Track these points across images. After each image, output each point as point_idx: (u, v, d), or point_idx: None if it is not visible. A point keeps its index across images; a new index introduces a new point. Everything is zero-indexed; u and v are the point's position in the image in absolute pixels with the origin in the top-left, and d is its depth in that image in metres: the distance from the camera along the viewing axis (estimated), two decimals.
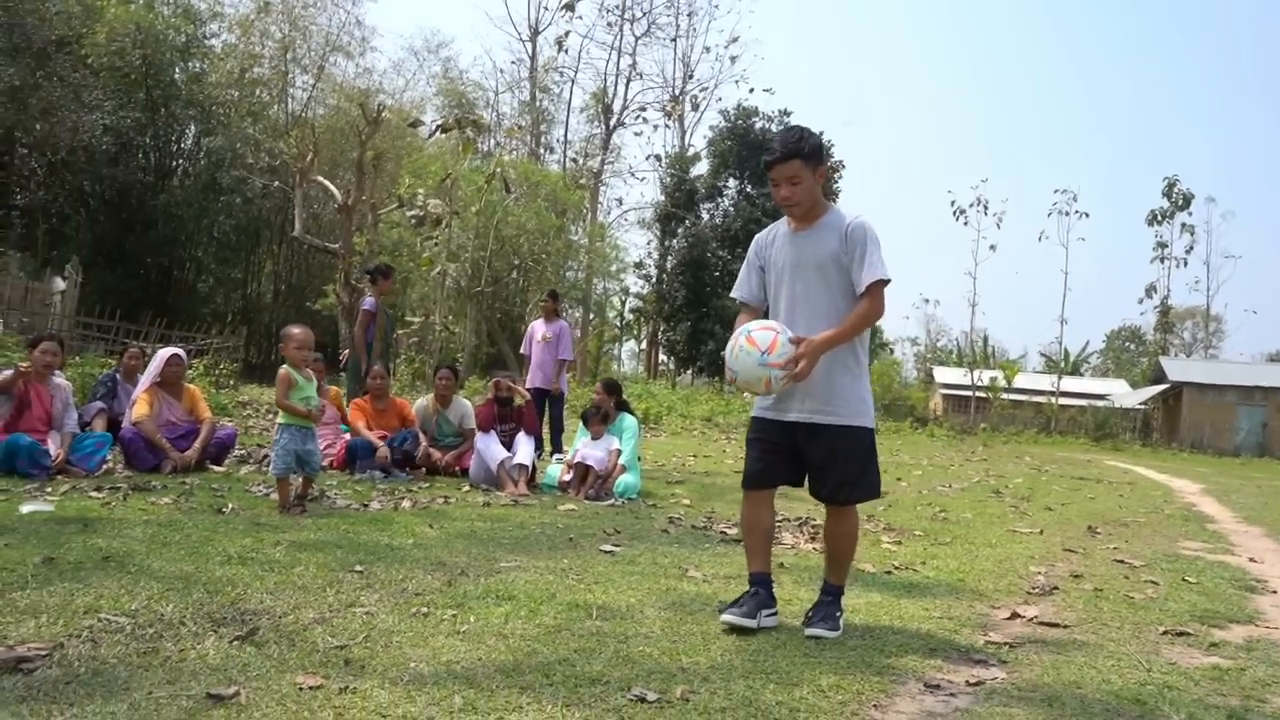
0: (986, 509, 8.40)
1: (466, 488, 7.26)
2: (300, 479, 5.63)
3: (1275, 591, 5.03)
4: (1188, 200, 47.85)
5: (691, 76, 44.82)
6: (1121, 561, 5.67)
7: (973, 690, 2.91)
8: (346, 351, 9.67)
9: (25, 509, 4.82)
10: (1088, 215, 41.94)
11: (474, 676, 2.69)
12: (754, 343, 3.35)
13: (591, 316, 41.43)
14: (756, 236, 3.81)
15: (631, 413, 8.03)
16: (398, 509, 5.94)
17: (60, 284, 21.07)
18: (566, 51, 41.38)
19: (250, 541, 4.39)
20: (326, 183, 19.72)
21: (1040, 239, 47.40)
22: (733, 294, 3.80)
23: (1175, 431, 37.80)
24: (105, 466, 6.65)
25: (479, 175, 21.95)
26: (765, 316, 3.68)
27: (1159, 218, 48.24)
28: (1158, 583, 4.98)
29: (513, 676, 2.71)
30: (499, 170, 20.02)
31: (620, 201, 45.66)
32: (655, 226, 41.53)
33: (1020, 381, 43.84)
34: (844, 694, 2.77)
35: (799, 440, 3.51)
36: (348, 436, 7.94)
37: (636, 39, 43.39)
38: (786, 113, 39.85)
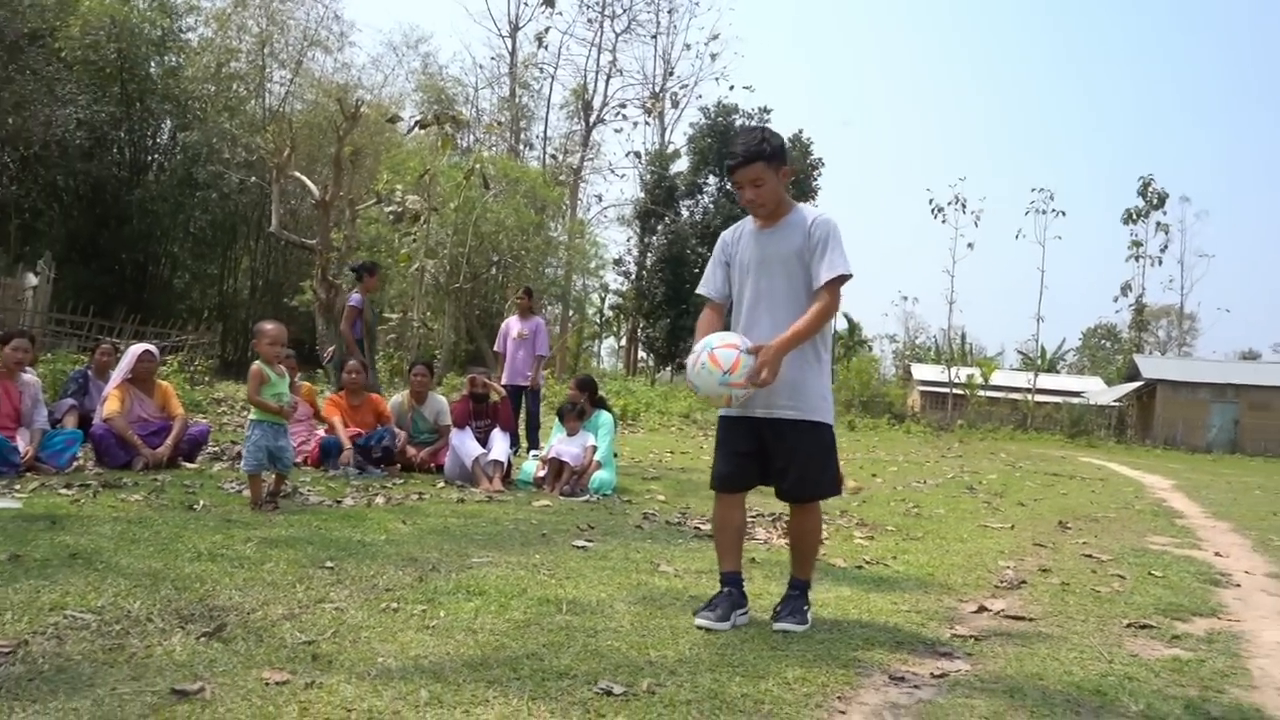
0: (959, 505, 8.48)
1: (441, 484, 7.26)
2: (272, 476, 5.61)
3: (1239, 585, 5.11)
4: (1162, 199, 48.30)
5: (672, 73, 44.95)
6: (1090, 556, 5.74)
7: (937, 682, 2.94)
8: (332, 348, 9.64)
9: None
10: (1064, 214, 42.42)
11: (441, 671, 2.70)
12: (716, 362, 3.34)
13: (571, 313, 41.41)
14: (723, 234, 3.81)
15: (608, 409, 8.05)
16: (371, 505, 5.93)
17: (32, 280, 20.84)
18: (546, 47, 41.39)
19: (221, 538, 4.37)
20: (304, 178, 19.59)
21: (1018, 237, 47.60)
22: (699, 290, 3.80)
23: (1149, 428, 38.18)
24: (76, 464, 6.60)
25: (458, 171, 21.87)
26: (730, 313, 3.70)
27: (1134, 217, 48.65)
28: (1124, 577, 5.04)
29: (480, 670, 2.72)
30: (478, 166, 19.95)
31: (600, 198, 45.83)
32: (635, 223, 41.61)
33: (997, 379, 44.15)
34: (809, 686, 2.80)
35: (764, 438, 3.53)
36: (321, 433, 7.91)
37: (617, 35, 43.46)
38: (766, 110, 40.02)
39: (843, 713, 2.62)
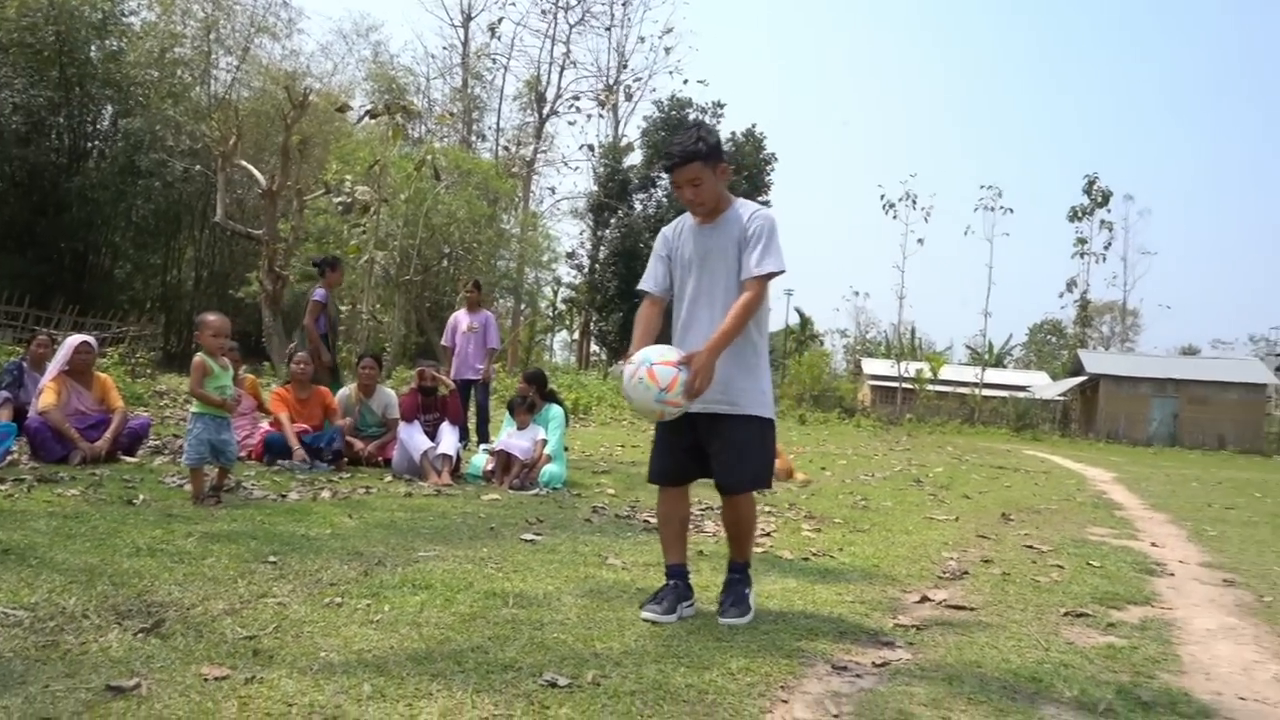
0: (906, 497, 8.61)
1: (389, 478, 7.19)
2: (215, 469, 5.52)
3: (1173, 574, 5.26)
4: (1106, 197, 49.38)
5: (625, 66, 44.87)
6: (1031, 547, 5.86)
7: (878, 671, 2.99)
8: (293, 345, 9.50)
9: None
10: (1012, 211, 43.18)
11: (385, 665, 2.68)
12: (654, 378, 3.30)
13: (523, 306, 41.19)
14: (664, 229, 3.81)
15: (559, 403, 8.03)
16: (316, 500, 5.85)
17: None
18: (499, 38, 41.18)
19: (160, 533, 4.29)
20: (250, 167, 19.30)
21: (966, 234, 48.53)
22: (640, 285, 3.78)
23: (1092, 422, 39.08)
24: (10, 458, 6.42)
25: (409, 162, 21.64)
26: (670, 308, 3.70)
27: (1079, 214, 49.67)
28: (1063, 567, 5.16)
29: (424, 664, 2.71)
30: (429, 157, 19.74)
31: (553, 191, 45.54)
32: (588, 216, 41.53)
33: (946, 373, 44.88)
34: (753, 676, 2.83)
35: (700, 432, 3.53)
36: (265, 426, 7.79)
37: (571, 27, 43.29)
38: (720, 105, 40.19)
39: (785, 702, 2.65)
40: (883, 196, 44.24)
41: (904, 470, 12.31)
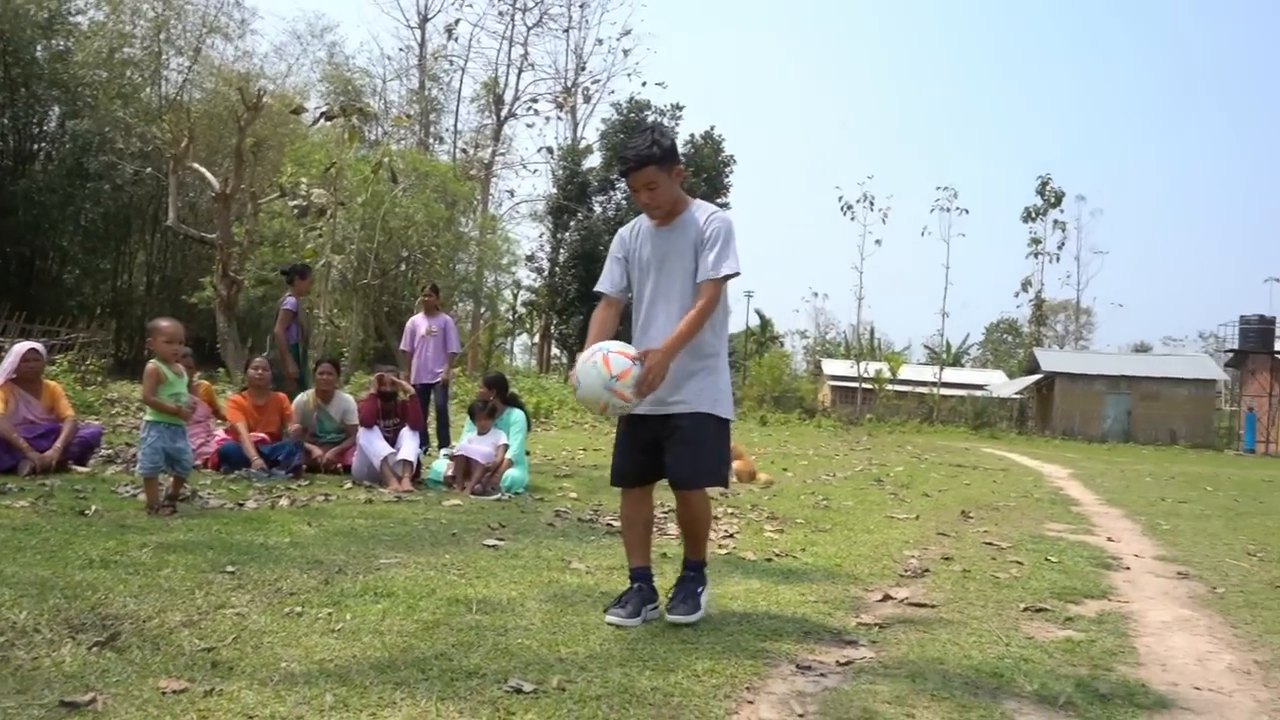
0: (867, 497, 8.68)
1: (348, 485, 7.11)
2: (170, 478, 5.42)
3: (1129, 568, 5.36)
4: (1059, 198, 50.08)
5: (584, 68, 44.88)
6: (990, 544, 5.93)
7: (842, 669, 3.01)
8: (266, 355, 9.35)
9: None
10: (968, 212, 43.69)
11: (347, 674, 2.64)
12: (608, 364, 3.30)
13: (483, 310, 41.00)
14: (620, 230, 3.80)
15: (521, 407, 7.99)
16: (274, 508, 5.77)
17: None
18: (456, 40, 40.93)
19: (114, 544, 4.20)
20: (203, 170, 18.99)
21: (923, 235, 49.05)
22: (597, 287, 3.77)
23: (1048, 419, 39.69)
24: None
25: (365, 165, 21.39)
26: (629, 309, 3.70)
27: (1033, 215, 50.35)
28: (1022, 563, 5.23)
29: (387, 673, 2.67)
30: (386, 160, 19.57)
31: (512, 193, 45.46)
32: (547, 219, 41.42)
33: (905, 373, 45.37)
34: (718, 678, 2.83)
35: (658, 432, 3.52)
36: (221, 434, 7.67)
37: (528, 29, 43.20)
38: (679, 107, 40.30)
39: (751, 703, 2.66)
40: (841, 198, 44.51)
41: (865, 470, 12.42)
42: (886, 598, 4.12)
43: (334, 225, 17.77)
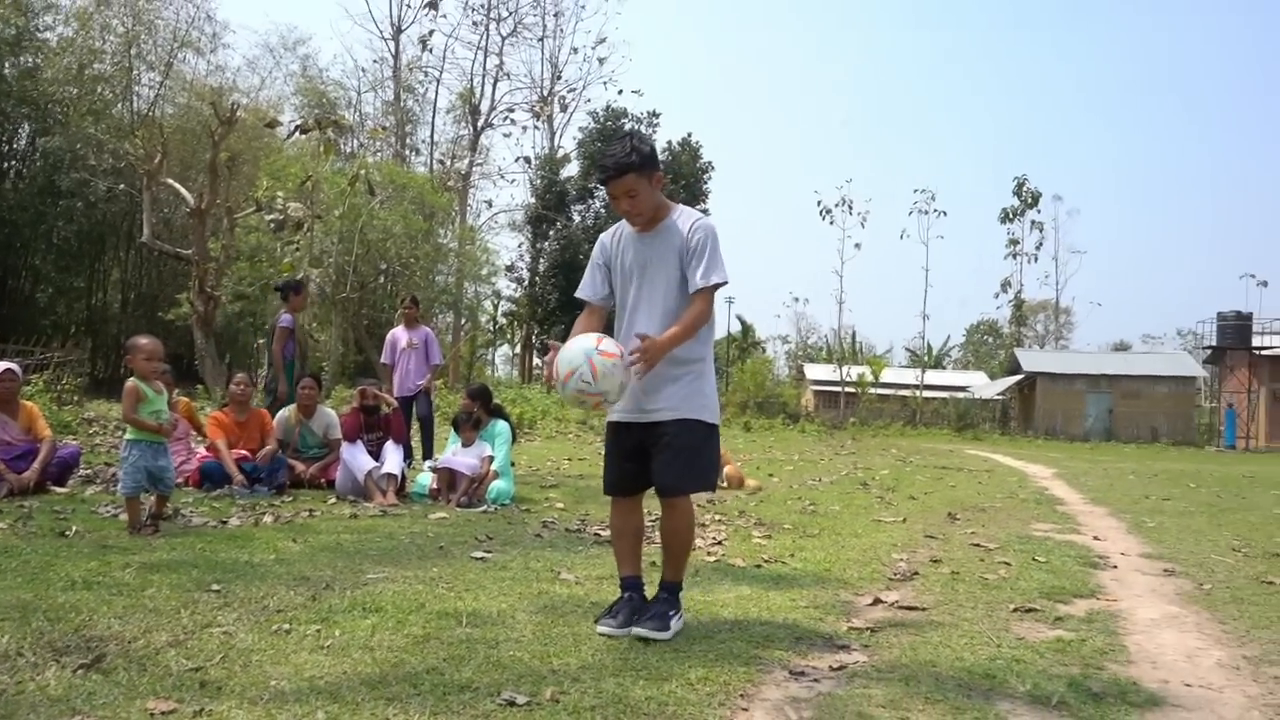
0: (854, 501, 8.69)
1: (332, 500, 7.04)
2: (153, 497, 5.35)
3: (1116, 566, 5.39)
4: (1036, 198, 50.54)
5: (560, 77, 44.85)
6: (978, 545, 5.95)
7: (835, 674, 3.00)
8: (265, 370, 9.29)
9: None
10: (946, 214, 43.98)
11: (338, 691, 2.61)
12: (599, 341, 3.32)
13: (463, 321, 40.86)
14: (601, 236, 3.78)
15: (505, 418, 7.96)
16: (258, 525, 5.71)
17: None
18: (431, 51, 40.82)
19: (96, 565, 4.14)
20: (177, 185, 18.87)
21: (902, 237, 49.35)
22: (578, 293, 3.77)
23: (1031, 420, 39.96)
24: None
25: (342, 177, 21.36)
26: (611, 316, 3.70)
27: (1010, 216, 50.77)
28: (1010, 563, 5.25)
29: (379, 688, 2.65)
30: (363, 172, 19.53)
31: (490, 204, 45.18)
32: (526, 229, 41.40)
33: (887, 376, 45.57)
34: (712, 685, 2.82)
35: (644, 438, 3.51)
36: (202, 451, 7.59)
37: (503, 39, 43.12)
38: (655, 114, 40.40)
39: (745, 710, 2.65)
40: (819, 202, 44.75)
41: (850, 474, 12.44)
42: (877, 601, 4.12)
43: (311, 239, 17.71)
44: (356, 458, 7.34)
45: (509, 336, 52.60)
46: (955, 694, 2.83)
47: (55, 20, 30.28)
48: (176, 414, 6.66)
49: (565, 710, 2.54)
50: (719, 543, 5.70)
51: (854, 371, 44.39)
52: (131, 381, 5.31)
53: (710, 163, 41.10)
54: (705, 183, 40.90)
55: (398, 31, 41.14)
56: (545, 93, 43.96)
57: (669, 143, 40.32)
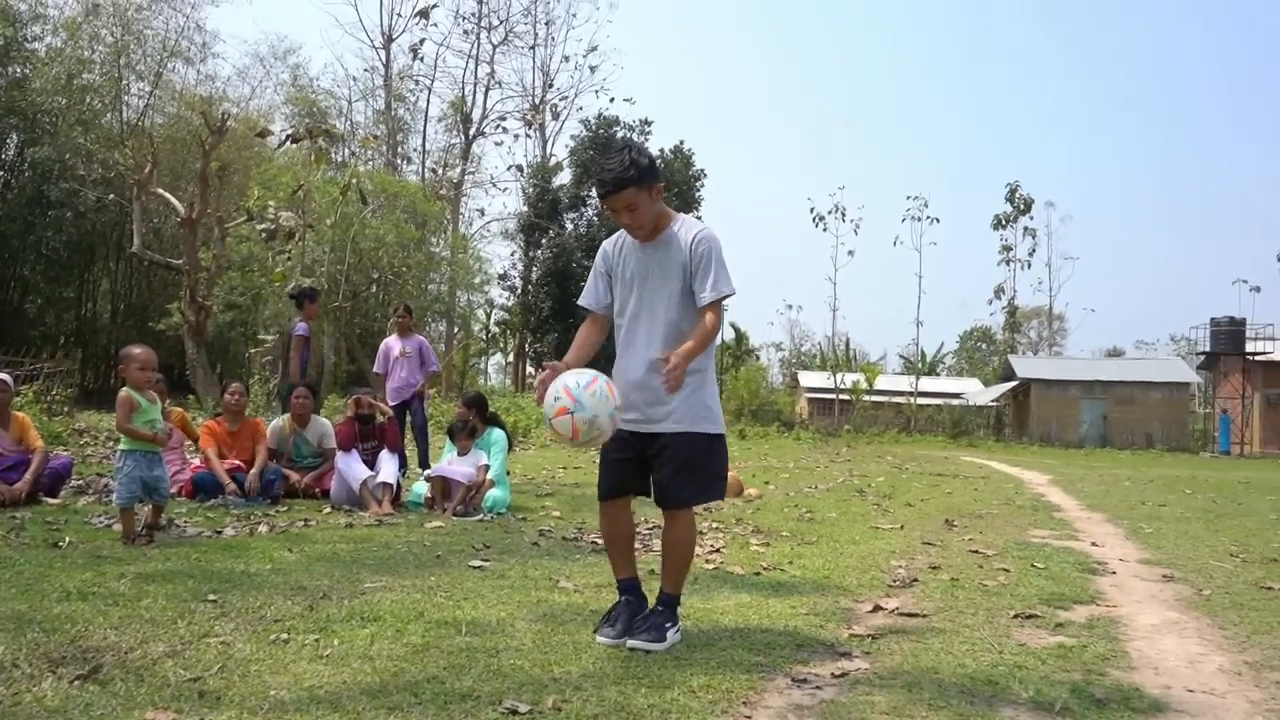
0: (850, 508, 8.69)
1: (328, 509, 7.01)
2: (148, 508, 5.31)
3: (1114, 572, 5.39)
4: (1028, 205, 50.68)
5: (551, 85, 44.91)
6: (976, 551, 5.95)
7: (837, 681, 2.99)
8: (278, 379, 9.27)
9: None
10: (938, 221, 44.09)
11: (338, 700, 2.59)
12: (612, 392, 3.27)
13: (456, 330, 40.79)
14: (604, 244, 3.76)
15: (501, 426, 7.93)
16: (254, 534, 5.68)
17: None
18: (422, 60, 40.78)
19: (91, 575, 4.11)
20: (168, 195, 18.78)
21: (895, 244, 49.35)
22: (580, 302, 3.76)
23: (1025, 426, 40.00)
24: None
25: (333, 186, 21.26)
26: (612, 325, 3.69)
27: (1003, 222, 50.89)
28: (1009, 570, 5.25)
29: (379, 698, 2.62)
30: (355, 181, 19.43)
31: (482, 212, 45.32)
32: (519, 237, 41.34)
33: (881, 383, 45.57)
34: (714, 693, 2.81)
35: (641, 448, 3.49)
36: (197, 462, 7.54)
37: (494, 47, 43.18)
38: (647, 122, 40.39)
39: (748, 717, 2.64)
40: (812, 210, 44.87)
41: (846, 481, 12.44)
42: (877, 608, 4.11)
43: (303, 248, 17.66)
44: (351, 467, 7.31)
45: (502, 345, 52.50)
46: (958, 700, 2.82)
47: (44, 30, 30.14)
48: (170, 424, 6.63)
49: (567, 718, 2.52)
50: (717, 550, 5.68)
51: (848, 379, 44.41)
52: (125, 391, 5.28)
53: (703, 170, 41.09)
54: (698, 190, 40.89)
55: (388, 40, 41.16)
56: (537, 101, 44.03)
57: (661, 150, 40.31)
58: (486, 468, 7.35)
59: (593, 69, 44.80)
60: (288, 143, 18.20)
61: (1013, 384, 42.10)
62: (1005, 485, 12.85)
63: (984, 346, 69.94)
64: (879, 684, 2.97)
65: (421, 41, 38.95)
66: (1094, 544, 6.62)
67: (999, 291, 50.78)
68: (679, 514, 3.53)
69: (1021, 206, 50.40)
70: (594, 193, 38.39)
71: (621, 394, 3.36)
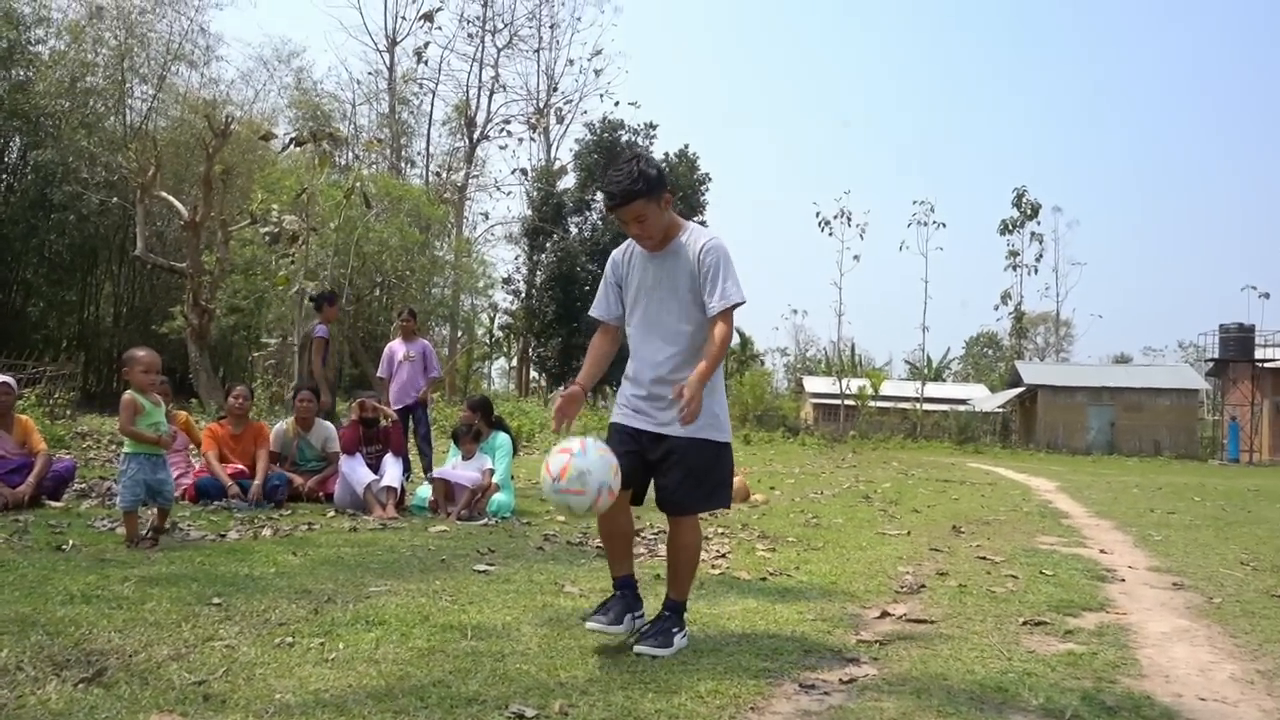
0: (857, 513, 8.66)
1: (332, 513, 6.99)
2: (152, 511, 5.29)
3: (1124, 580, 5.35)
4: (1036, 210, 50.40)
5: (555, 89, 44.96)
6: (984, 558, 5.92)
7: (845, 688, 2.97)
8: (295, 383, 9.27)
9: None
10: (945, 225, 44.00)
11: (344, 704, 2.57)
12: (548, 469, 3.23)
13: (460, 334, 40.80)
14: (613, 254, 3.72)
15: (506, 430, 7.91)
16: (258, 538, 5.66)
17: None
18: (426, 63, 40.94)
19: (95, 578, 4.09)
20: (171, 198, 18.84)
21: (901, 249, 49.24)
22: (590, 312, 3.74)
23: (1032, 433, 39.86)
24: None
25: (337, 190, 21.29)
26: (623, 334, 3.67)
27: (1010, 227, 50.66)
28: (1017, 576, 5.21)
29: (385, 701, 2.60)
30: (358, 184, 19.48)
31: (486, 216, 45.29)
32: (523, 241, 41.30)
33: (887, 389, 45.52)
34: (722, 698, 2.78)
35: (645, 448, 3.47)
36: (200, 466, 7.53)
37: (499, 51, 43.27)
38: (652, 126, 40.32)
39: None
40: (818, 214, 44.81)
41: (852, 487, 12.41)
42: (885, 614, 4.09)
43: (307, 252, 17.64)
44: (356, 471, 7.29)
45: (505, 350, 52.49)
46: (967, 707, 2.79)
47: (47, 33, 30.20)
48: (175, 426, 6.62)
49: None
50: (723, 556, 5.66)
51: (853, 384, 44.33)
52: (129, 394, 5.26)
53: (708, 174, 41.00)
54: (703, 194, 40.85)
55: (393, 44, 41.25)
56: (541, 105, 44.08)
57: (666, 154, 40.30)
58: (491, 472, 7.33)
59: (597, 73, 44.89)
60: (291, 146, 18.23)
61: (1019, 390, 41.93)
62: (1012, 491, 12.80)
63: (990, 352, 69.76)
64: (887, 690, 2.94)
65: (426, 45, 39.20)
66: (1103, 551, 6.58)
67: (1005, 297, 50.57)
68: (684, 521, 3.53)
69: (1029, 211, 50.17)
70: (598, 197, 38.67)
71: (630, 400, 3.38)
